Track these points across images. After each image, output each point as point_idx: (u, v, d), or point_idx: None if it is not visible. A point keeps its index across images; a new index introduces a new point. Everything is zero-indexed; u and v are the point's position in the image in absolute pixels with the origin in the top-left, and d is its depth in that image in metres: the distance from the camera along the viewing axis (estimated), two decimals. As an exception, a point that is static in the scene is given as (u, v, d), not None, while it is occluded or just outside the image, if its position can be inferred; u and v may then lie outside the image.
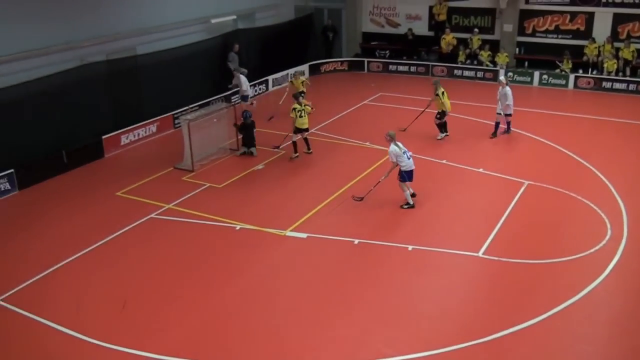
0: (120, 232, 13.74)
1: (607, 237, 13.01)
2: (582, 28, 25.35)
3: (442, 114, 18.71)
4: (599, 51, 24.62)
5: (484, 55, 26.23)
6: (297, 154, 17.53)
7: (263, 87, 24.96)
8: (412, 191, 14.66)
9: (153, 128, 19.86)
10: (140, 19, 20.85)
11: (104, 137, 18.39)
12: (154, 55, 20.53)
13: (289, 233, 13.51)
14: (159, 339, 10.16)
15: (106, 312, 10.95)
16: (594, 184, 15.63)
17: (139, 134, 19.44)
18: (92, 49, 19.00)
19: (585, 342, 10.07)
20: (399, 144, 14.20)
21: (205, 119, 17.64)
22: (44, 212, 14.91)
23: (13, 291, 11.59)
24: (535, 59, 26.12)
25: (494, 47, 26.37)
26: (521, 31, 26.43)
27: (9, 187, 15.84)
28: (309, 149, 17.91)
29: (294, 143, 17.55)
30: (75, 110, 17.98)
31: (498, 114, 18.77)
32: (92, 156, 18.03)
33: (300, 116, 17.27)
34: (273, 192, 15.69)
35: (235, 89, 21.90)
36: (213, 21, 23.70)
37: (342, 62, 28.77)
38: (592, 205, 14.42)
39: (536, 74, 25.20)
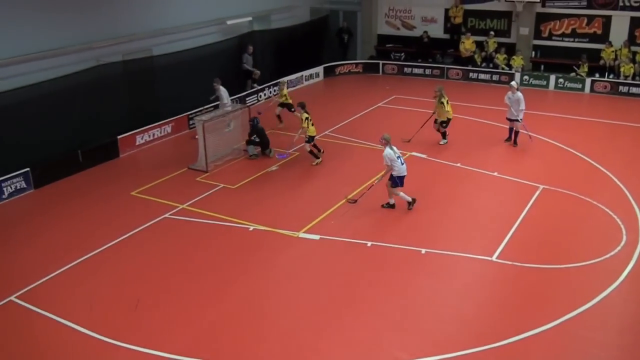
0: (135, 231, 13.80)
1: (623, 242, 12.90)
2: (599, 32, 25.18)
3: (447, 122, 18.35)
4: (616, 55, 24.43)
5: (500, 58, 26.11)
6: (320, 158, 17.44)
7: (277, 88, 24.94)
8: (409, 199, 14.49)
9: (168, 128, 19.94)
10: (156, 20, 20.95)
11: (119, 137, 18.51)
12: (169, 56, 20.64)
13: (301, 234, 13.51)
14: (171, 339, 10.19)
15: (119, 311, 11.01)
16: (610, 188, 15.50)
17: (154, 134, 19.54)
18: (108, 49, 19.12)
19: (599, 348, 9.98)
20: (394, 148, 14.10)
21: (220, 120, 17.69)
22: (59, 210, 15.02)
23: (27, 288, 11.68)
24: (552, 62, 25.97)
25: (510, 50, 26.25)
26: (537, 34, 26.30)
27: (25, 186, 15.98)
28: (319, 151, 17.68)
29: (312, 151, 17.41)
30: (91, 110, 18.12)
31: (515, 120, 18.06)
32: (108, 156, 18.14)
33: (312, 124, 17.10)
34: (286, 193, 15.70)
35: (216, 102, 20.02)
36: (229, 22, 23.77)
37: (356, 64, 28.75)
38: (607, 210, 14.30)
39: (552, 77, 25.04)
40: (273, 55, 25.61)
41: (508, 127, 18.50)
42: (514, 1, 25.67)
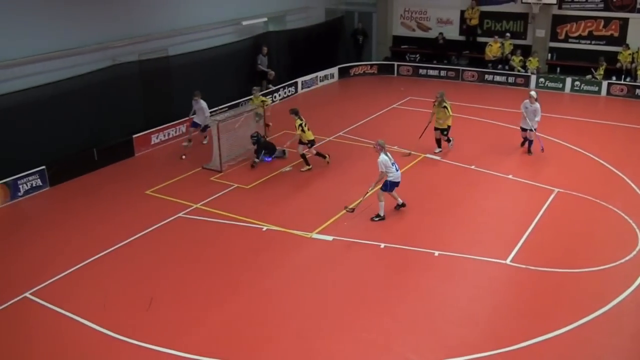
0: (149, 230, 13.87)
1: (638, 247, 12.77)
2: (616, 34, 24.98)
3: (448, 129, 17.77)
4: (633, 58, 24.23)
5: (516, 60, 25.98)
6: (310, 166, 16.99)
7: (292, 89, 25.02)
8: (401, 202, 14.40)
9: (183, 128, 20.01)
10: (172, 21, 21.08)
11: (134, 136, 18.61)
12: (185, 56, 20.74)
13: (314, 235, 13.52)
14: (184, 338, 10.23)
15: (132, 309, 11.07)
16: (625, 193, 15.37)
17: (168, 134, 19.63)
18: (124, 49, 19.27)
19: (613, 354, 9.90)
20: (388, 154, 13.92)
21: (234, 120, 17.74)
22: (73, 208, 15.14)
23: (42, 285, 11.78)
24: (568, 65, 25.79)
25: (526, 52, 26.11)
26: (554, 37, 26.14)
27: (41, 184, 16.11)
28: (324, 157, 17.30)
29: (319, 153, 17.18)
30: (107, 109, 18.26)
31: (530, 130, 17.49)
32: (123, 154, 18.25)
33: (307, 129, 16.76)
34: (300, 194, 15.72)
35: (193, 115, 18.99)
36: (244, 23, 23.85)
37: (371, 65, 28.72)
38: (622, 214, 14.18)
39: (568, 80, 24.87)
40: (288, 56, 25.65)
41: (521, 136, 18.07)
42: (530, 3, 25.52)
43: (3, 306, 11.14)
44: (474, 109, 22.44)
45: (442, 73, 27.42)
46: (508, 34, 26.61)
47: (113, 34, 18.95)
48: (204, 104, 18.37)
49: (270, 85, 23.94)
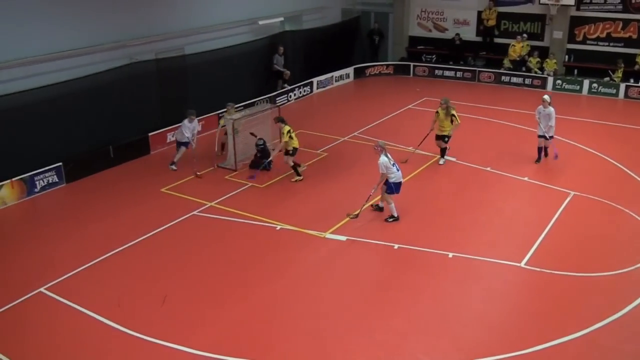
0: (163, 227, 13.94)
1: (655, 251, 12.68)
2: (635, 36, 24.74)
3: (449, 137, 17.09)
4: (652, 60, 24.04)
5: (533, 61, 25.82)
6: (301, 176, 16.45)
7: (307, 89, 25.04)
8: (396, 214, 14.05)
9: (198, 127, 20.03)
10: (189, 20, 21.17)
11: (150, 134, 18.71)
12: (201, 55, 20.82)
13: (328, 235, 13.52)
14: (197, 335, 10.27)
15: (146, 306, 11.13)
16: (643, 196, 15.25)
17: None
18: (141, 47, 19.38)
19: None
20: (388, 154, 13.80)
21: (250, 119, 17.77)
22: (89, 205, 15.25)
23: (57, 280, 11.87)
24: (585, 67, 25.59)
25: (543, 53, 25.95)
26: (571, 38, 25.93)
27: (57, 180, 16.24)
28: (298, 170, 16.56)
29: (294, 165, 16.49)
30: (123, 106, 18.36)
31: (542, 137, 16.95)
32: (139, 152, 18.36)
33: (291, 137, 16.19)
34: (314, 193, 15.72)
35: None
36: (261, 22, 23.91)
37: (387, 65, 28.67)
38: (639, 218, 14.05)
39: (586, 82, 24.68)
40: (304, 55, 25.66)
41: (537, 146, 17.25)
42: (548, 4, 25.35)
43: (18, 301, 11.24)
44: (490, 110, 22.34)
45: (458, 74, 27.32)
46: (525, 35, 26.44)
47: (130, 33, 19.07)
48: (196, 123, 17.43)
49: (286, 85, 23.98)
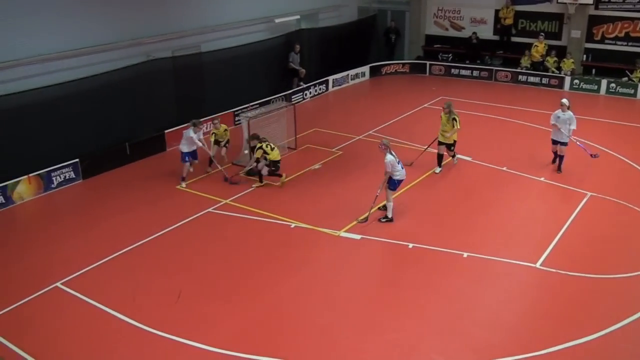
0: (178, 224, 14.00)
1: (673, 254, 12.56)
2: (654, 36, 24.53)
3: (454, 144, 16.57)
4: (671, 60, 23.77)
5: (550, 61, 25.63)
6: (262, 183, 16.03)
7: (323, 87, 25.03)
8: (391, 215, 13.96)
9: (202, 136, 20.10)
10: (205, 18, 21.24)
11: (166, 131, 18.79)
12: (217, 53, 20.88)
13: (342, 234, 13.51)
14: (211, 331, 10.31)
15: (161, 302, 11.19)
16: (661, 198, 15.09)
17: (200, 129, 19.76)
18: (158, 45, 19.46)
19: (645, 361, 9.75)
20: (393, 152, 13.73)
21: (266, 117, 17.80)
22: (105, 201, 15.35)
23: (73, 275, 11.97)
24: (603, 66, 25.36)
25: (561, 53, 25.74)
26: (589, 37, 25.69)
27: (74, 176, 16.37)
28: (261, 181, 16.17)
29: (271, 172, 15.99)
30: (140, 104, 18.47)
31: (561, 144, 16.34)
32: (155, 149, 18.46)
33: (271, 150, 15.80)
34: (328, 191, 15.71)
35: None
36: (277, 21, 23.92)
37: (403, 64, 28.59)
38: (657, 220, 13.95)
39: (603, 82, 24.45)
40: (319, 54, 25.65)
41: (552, 150, 16.75)
42: (566, 3, 25.14)
43: (34, 295, 11.35)
44: (506, 109, 22.21)
45: (475, 73, 27.18)
46: (542, 34, 26.25)
47: (147, 30, 19.16)
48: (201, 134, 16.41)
49: (301, 83, 24.00)
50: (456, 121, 16.21)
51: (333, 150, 18.40)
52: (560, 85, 25.08)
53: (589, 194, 15.17)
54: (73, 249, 13.09)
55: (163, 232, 13.69)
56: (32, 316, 10.84)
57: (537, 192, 15.71)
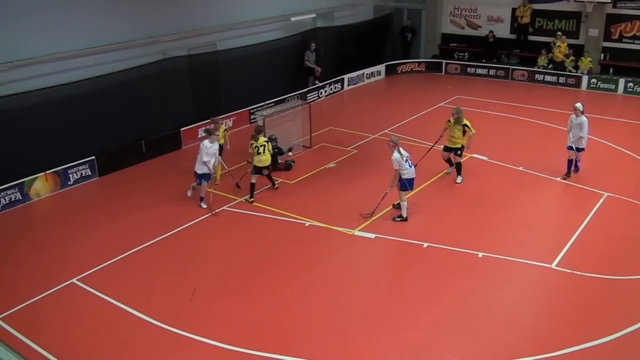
0: (193, 222, 14.06)
1: (691, 255, 12.41)
2: (673, 35, 24.25)
3: (462, 149, 15.83)
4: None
5: (567, 60, 25.41)
6: (253, 198, 15.05)
7: (338, 85, 25.01)
8: (405, 214, 13.86)
9: (230, 122, 20.19)
10: (221, 16, 21.28)
11: (182, 129, 18.87)
12: (233, 51, 20.92)
13: (357, 232, 13.50)
14: (224, 329, 10.35)
15: (175, 299, 11.24)
16: (679, 199, 14.93)
17: (215, 128, 19.81)
18: (174, 43, 19.53)
19: (661, 364, 9.65)
20: (401, 150, 13.62)
21: (281, 116, 17.83)
22: (121, 198, 15.44)
23: (89, 272, 12.06)
24: (621, 65, 25.10)
25: (578, 52, 25.52)
26: (607, 36, 25.42)
27: (90, 173, 16.49)
28: (273, 184, 15.66)
29: (252, 185, 15.14)
30: (156, 102, 18.55)
31: (579, 149, 15.78)
32: (170, 147, 18.54)
33: (258, 152, 14.91)
34: (343, 190, 15.69)
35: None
36: (293, 19, 23.93)
37: (419, 63, 28.50)
38: (675, 221, 13.80)
39: (621, 81, 24.21)
40: (335, 52, 25.63)
41: (568, 158, 16.02)
42: (583, 1, 24.92)
43: (51, 291, 11.45)
44: (523, 109, 22.07)
45: (491, 72, 27.03)
46: (559, 33, 26.03)
47: (164, 29, 19.24)
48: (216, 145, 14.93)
49: (317, 82, 23.99)
50: (469, 127, 15.48)
51: (348, 149, 18.38)
52: (578, 84, 24.87)
53: (606, 194, 15.04)
54: (89, 245, 13.19)
55: (178, 229, 13.75)
56: (48, 312, 10.93)
57: (553, 192, 15.60)
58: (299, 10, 24.31)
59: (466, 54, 28.76)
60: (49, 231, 13.93)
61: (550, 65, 25.93)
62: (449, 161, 16.25)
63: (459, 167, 15.97)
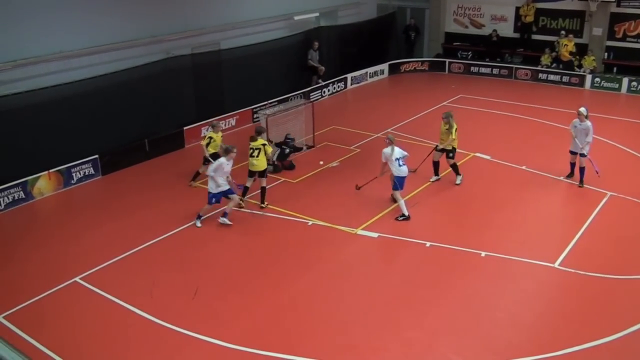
0: (196, 221, 14.06)
1: (694, 255, 12.38)
2: (677, 34, 24.16)
3: (454, 151, 15.49)
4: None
5: (574, 58, 25.32)
6: (243, 205, 14.52)
7: (342, 84, 25.00)
8: (406, 212, 13.85)
9: (232, 121, 20.22)
10: (225, 15, 21.30)
11: (185, 128, 18.89)
12: (236, 50, 20.95)
13: (359, 231, 13.49)
14: (227, 328, 10.35)
15: (178, 298, 11.26)
16: (683, 198, 14.89)
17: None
18: (177, 42, 19.57)
19: (664, 363, 9.63)
20: (396, 148, 13.63)
21: (284, 115, 17.84)
22: (124, 197, 15.48)
23: (92, 271, 12.08)
24: (625, 64, 25.03)
25: (582, 50, 25.45)
26: (611, 35, 25.35)
27: (93, 172, 16.53)
28: (262, 201, 14.62)
29: (246, 188, 14.70)
30: (159, 101, 18.58)
31: (581, 155, 15.35)
32: (173, 146, 18.55)
33: (252, 155, 14.28)
34: (346, 189, 15.67)
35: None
36: (296, 18, 23.94)
37: (422, 62, 28.47)
38: (679, 220, 13.76)
39: (625, 80, 24.14)
40: (338, 51, 25.63)
41: (570, 161, 15.77)
42: (587, 0, 24.87)
43: (54, 289, 11.48)
44: (526, 108, 22.04)
45: (495, 71, 26.99)
46: (563, 32, 25.97)
47: (167, 28, 19.27)
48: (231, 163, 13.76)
49: (320, 81, 23.99)
50: (450, 132, 15.16)
51: (351, 148, 18.38)
52: (581, 83, 24.82)
53: (609, 193, 15.01)
54: (92, 244, 13.21)
55: (181, 228, 13.77)
56: (51, 310, 10.96)
57: (557, 191, 15.58)
58: (302, 9, 24.32)
59: (470, 53, 28.71)
60: (52, 230, 13.97)
61: (554, 64, 25.87)
62: (436, 166, 15.89)
63: (455, 168, 15.73)
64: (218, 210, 14.13)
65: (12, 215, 14.63)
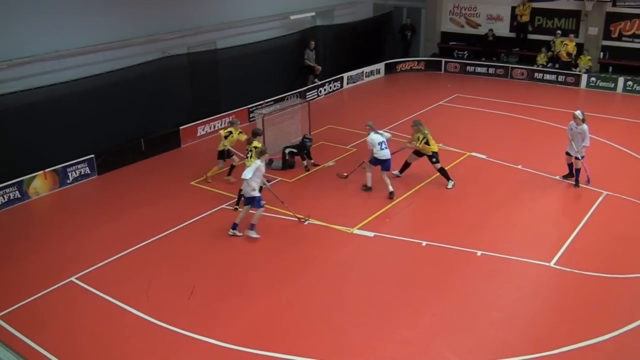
0: (192, 220, 14.06)
1: (689, 254, 12.41)
2: (672, 33, 24.22)
3: (435, 155, 15.38)
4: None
5: (572, 58, 25.35)
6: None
7: (338, 84, 25.00)
8: (391, 190, 14.82)
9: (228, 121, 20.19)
10: (221, 14, 21.28)
11: (181, 127, 18.87)
12: (233, 49, 20.93)
13: (356, 231, 13.50)
14: (224, 327, 10.35)
15: (174, 297, 11.25)
16: (678, 197, 14.93)
17: (214, 126, 19.79)
18: (174, 41, 19.54)
19: (660, 362, 9.66)
20: (379, 132, 14.91)
21: (280, 114, 17.83)
22: (120, 197, 15.46)
23: (87, 270, 12.06)
24: (620, 64, 25.08)
25: (578, 50, 25.47)
26: (607, 35, 25.40)
27: (89, 172, 16.49)
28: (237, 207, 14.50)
29: (240, 191, 14.24)
30: (155, 100, 18.55)
31: (575, 158, 15.32)
32: (169, 146, 18.53)
33: (247, 156, 14.40)
34: (342, 189, 15.68)
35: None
36: (292, 17, 23.92)
37: (418, 61, 28.47)
38: (674, 219, 13.80)
39: (620, 80, 24.18)
40: (335, 50, 25.62)
41: (567, 162, 15.69)
42: (583, 0, 24.91)
43: (49, 289, 11.46)
44: (522, 107, 22.07)
45: (491, 70, 27.01)
46: (559, 32, 26.01)
47: (163, 27, 19.24)
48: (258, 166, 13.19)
49: (316, 80, 23.98)
50: (417, 139, 15.32)
51: (347, 147, 18.38)
52: (577, 83, 24.86)
53: (605, 192, 15.04)
54: (88, 244, 13.19)
55: (177, 228, 13.75)
56: (47, 310, 10.94)
57: (553, 190, 15.60)
58: (298, 8, 24.31)
59: (466, 52, 28.73)
60: (48, 230, 13.94)
61: (550, 64, 25.92)
62: (405, 166, 15.94)
63: (444, 173, 15.55)
64: (213, 210, 14.12)
65: (8, 215, 14.59)
